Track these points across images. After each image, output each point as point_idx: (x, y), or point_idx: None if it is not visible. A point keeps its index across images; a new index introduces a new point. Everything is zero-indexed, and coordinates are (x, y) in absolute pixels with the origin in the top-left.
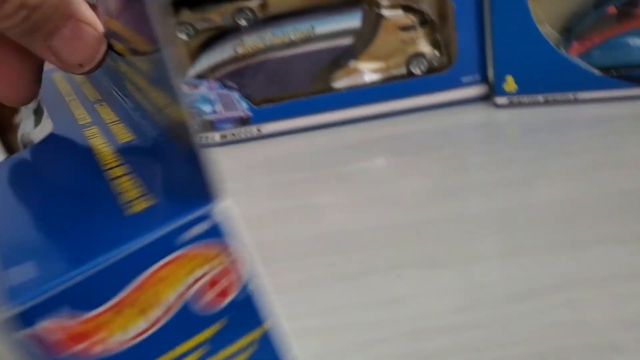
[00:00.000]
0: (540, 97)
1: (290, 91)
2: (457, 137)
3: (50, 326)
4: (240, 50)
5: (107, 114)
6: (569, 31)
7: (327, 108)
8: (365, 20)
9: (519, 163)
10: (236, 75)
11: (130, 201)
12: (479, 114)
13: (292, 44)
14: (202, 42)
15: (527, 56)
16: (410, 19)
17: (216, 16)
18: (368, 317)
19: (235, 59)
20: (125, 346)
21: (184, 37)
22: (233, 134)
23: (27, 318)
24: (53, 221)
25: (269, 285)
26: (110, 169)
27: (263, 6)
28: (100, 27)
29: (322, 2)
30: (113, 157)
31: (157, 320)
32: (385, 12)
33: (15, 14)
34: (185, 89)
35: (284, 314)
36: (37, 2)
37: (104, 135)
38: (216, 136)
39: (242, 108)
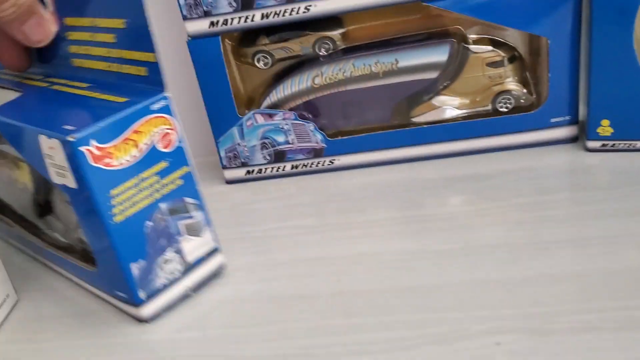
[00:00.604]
0: (638, 143)
1: (368, 124)
2: (544, 182)
3: (92, 148)
4: (319, 81)
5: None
6: None
7: (406, 143)
8: (451, 54)
9: (614, 217)
10: (312, 106)
11: (112, 100)
12: (567, 157)
13: (372, 76)
14: (278, 71)
15: (628, 100)
16: (498, 54)
17: (296, 45)
18: None
19: (313, 89)
20: (125, 166)
21: (261, 65)
22: (305, 165)
23: (85, 140)
24: (81, 106)
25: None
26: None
27: (344, 37)
28: (52, 19)
29: (407, 35)
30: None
31: (140, 152)
32: (473, 47)
33: (8, 9)
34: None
35: None
36: (22, 2)
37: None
38: (287, 166)
39: (317, 139)
